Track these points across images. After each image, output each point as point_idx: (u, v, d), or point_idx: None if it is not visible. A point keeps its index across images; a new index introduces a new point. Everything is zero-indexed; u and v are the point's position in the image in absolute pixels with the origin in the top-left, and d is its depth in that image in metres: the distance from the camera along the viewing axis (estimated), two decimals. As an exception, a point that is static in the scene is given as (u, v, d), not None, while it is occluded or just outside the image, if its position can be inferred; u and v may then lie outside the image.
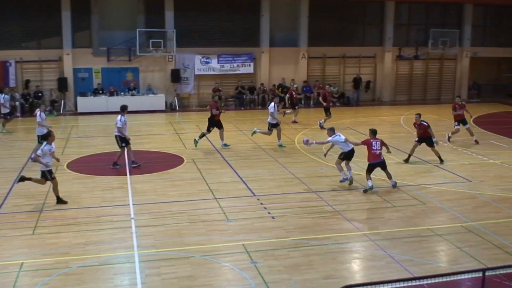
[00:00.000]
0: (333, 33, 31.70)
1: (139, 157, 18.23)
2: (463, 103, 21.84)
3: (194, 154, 19.18)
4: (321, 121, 23.99)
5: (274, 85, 30.35)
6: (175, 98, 29.20)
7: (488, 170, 17.49)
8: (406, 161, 18.30)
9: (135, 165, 17.17)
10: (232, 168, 17.34)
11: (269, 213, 13.39)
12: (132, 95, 28.20)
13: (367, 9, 32.34)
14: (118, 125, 16.94)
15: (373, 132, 15.61)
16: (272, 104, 20.40)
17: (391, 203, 14.23)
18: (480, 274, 7.85)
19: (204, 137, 20.40)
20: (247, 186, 15.53)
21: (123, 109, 17.14)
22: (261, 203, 14.11)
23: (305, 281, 9.90)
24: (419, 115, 18.70)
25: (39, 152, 13.64)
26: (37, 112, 19.10)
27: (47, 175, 13.68)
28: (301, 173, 16.90)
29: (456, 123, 21.28)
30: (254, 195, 14.76)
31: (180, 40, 28.70)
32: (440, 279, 8.07)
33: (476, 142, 20.92)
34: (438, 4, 32.67)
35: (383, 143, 15.44)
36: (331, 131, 15.85)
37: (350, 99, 31.57)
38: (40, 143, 17.29)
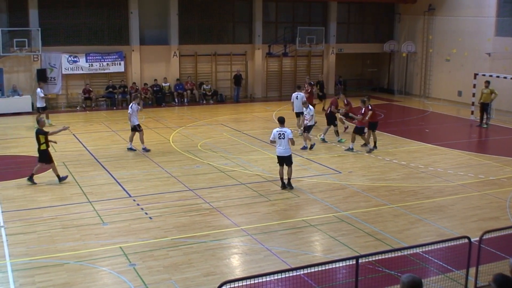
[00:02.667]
0: (204, 30, 31.75)
1: (4, 162, 17.19)
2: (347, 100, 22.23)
3: (65, 157, 18.41)
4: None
5: (146, 84, 29.88)
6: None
7: (357, 162, 18.37)
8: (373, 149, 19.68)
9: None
10: (106, 170, 16.86)
11: (146, 213, 13.19)
12: (-4, 97, 26.60)
13: (235, 7, 32.71)
14: None
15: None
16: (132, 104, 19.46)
17: (266, 197, 14.52)
18: (354, 262, 8.22)
19: (76, 139, 19.64)
20: (123, 188, 15.18)
21: None
22: (138, 204, 13.87)
23: (186, 280, 9.86)
24: (368, 98, 20.22)
25: None
26: None
27: None
28: (177, 171, 16.79)
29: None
30: (130, 196, 14.46)
31: (45, 39, 27.40)
32: (316, 268, 8.37)
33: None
34: (303, 2, 33.75)
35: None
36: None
37: (225, 97, 31.77)
38: None
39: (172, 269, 10.25)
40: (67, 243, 11.43)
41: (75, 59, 28.34)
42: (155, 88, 29.90)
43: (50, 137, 15.76)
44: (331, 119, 21.21)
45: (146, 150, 19.20)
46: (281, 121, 15.14)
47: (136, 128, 19.25)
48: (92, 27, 29.02)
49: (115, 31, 29.65)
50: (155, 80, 30.03)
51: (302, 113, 20.52)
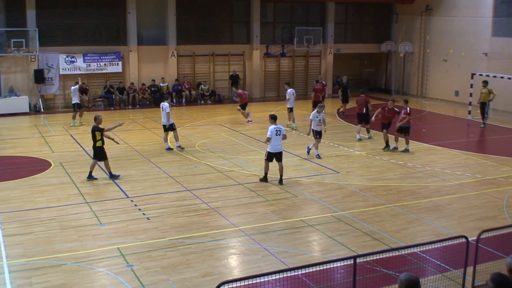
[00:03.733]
0: (201, 31, 31.76)
1: (2, 163, 17.17)
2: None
3: (62, 157, 18.41)
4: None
5: (143, 84, 29.87)
6: (40, 99, 27.82)
7: (354, 161, 18.39)
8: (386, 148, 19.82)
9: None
10: (103, 170, 16.82)
11: (143, 214, 13.18)
12: (-7, 97, 26.57)
13: (233, 7, 32.72)
14: None
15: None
16: (166, 104, 19.60)
17: (264, 197, 14.53)
18: (352, 261, 8.23)
19: (73, 140, 19.64)
20: (120, 188, 15.17)
21: None
22: (135, 205, 13.86)
23: (184, 280, 9.85)
24: (393, 100, 20.41)
25: None
26: None
27: None
28: (175, 172, 16.79)
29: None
30: (128, 197, 14.45)
31: (43, 39, 27.38)
32: (314, 268, 8.37)
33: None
34: (301, 3, 33.76)
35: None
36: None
37: (223, 97, 31.77)
38: None
39: (170, 270, 10.24)
40: (64, 244, 11.42)
41: (72, 59, 28.32)
42: (153, 89, 29.91)
43: (109, 135, 16.44)
44: (365, 118, 21.90)
45: (181, 148, 19.58)
46: (275, 118, 15.77)
47: (171, 127, 19.66)
48: (90, 27, 29.01)
49: (112, 31, 29.63)
50: (153, 80, 30.02)
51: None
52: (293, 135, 21.89)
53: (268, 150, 15.68)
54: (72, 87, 24.28)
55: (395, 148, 19.69)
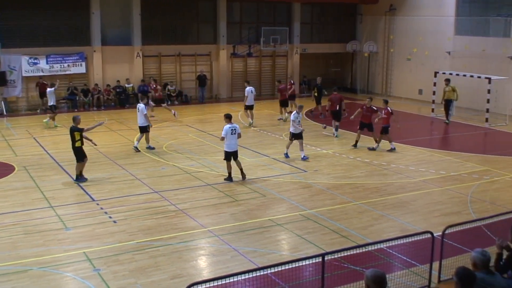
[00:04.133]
0: (167, 31, 31.55)
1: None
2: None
3: (25, 161, 18.08)
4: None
5: (108, 85, 29.55)
6: (2, 102, 27.29)
7: (322, 160, 18.50)
8: (355, 146, 20.09)
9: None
10: (68, 174, 16.59)
11: (110, 217, 13.03)
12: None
13: (199, 7, 32.60)
14: None
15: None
16: (142, 105, 19.58)
17: (233, 197, 14.52)
18: (320, 259, 8.28)
19: (37, 143, 19.33)
20: (85, 191, 14.98)
21: None
22: (101, 208, 13.69)
23: (152, 283, 9.78)
24: (371, 98, 20.76)
25: None
26: None
27: None
28: (142, 174, 16.65)
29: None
30: (94, 200, 14.27)
31: (4, 41, 26.86)
32: (283, 267, 8.40)
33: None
34: (267, 3, 33.83)
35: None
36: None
37: (190, 98, 31.62)
38: None
39: (138, 273, 10.15)
40: (29, 249, 11.22)
41: (35, 61, 27.85)
42: (118, 90, 29.61)
43: (87, 135, 16.25)
44: (337, 115, 22.48)
45: (151, 148, 19.65)
46: (230, 117, 15.95)
47: (145, 129, 19.56)
48: (53, 28, 28.58)
49: (76, 31, 29.25)
50: (118, 81, 29.73)
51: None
52: (262, 135, 21.92)
53: (225, 149, 15.86)
54: (49, 89, 23.85)
55: (373, 149, 19.80)
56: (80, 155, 15.83)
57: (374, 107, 20.28)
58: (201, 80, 31.15)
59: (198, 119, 26.22)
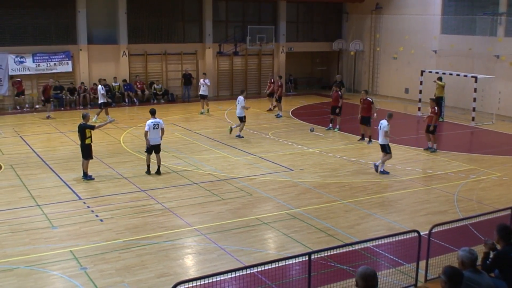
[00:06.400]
0: (153, 29, 31.42)
1: None
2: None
3: (12, 159, 17.94)
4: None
5: (95, 84, 29.36)
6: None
7: (308, 159, 18.54)
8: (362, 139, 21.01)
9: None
10: (55, 172, 16.50)
11: (96, 216, 12.98)
12: None
13: (185, 5, 32.50)
14: None
15: None
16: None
17: (219, 196, 14.51)
18: (306, 258, 8.30)
19: (23, 142, 19.19)
20: (72, 190, 14.90)
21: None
22: (88, 206, 13.63)
23: (139, 282, 9.75)
24: (366, 91, 21.47)
25: None
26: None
27: None
28: (128, 172, 16.59)
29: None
30: (80, 199, 14.20)
31: (-10, 39, 26.70)
32: (270, 266, 8.40)
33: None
34: (253, 2, 33.83)
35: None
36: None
37: (176, 96, 31.52)
38: None
39: (125, 272, 10.12)
40: (16, 247, 11.14)
41: (21, 59, 27.64)
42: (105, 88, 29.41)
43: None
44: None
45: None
46: (153, 112, 16.76)
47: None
48: (39, 27, 28.36)
49: (62, 30, 29.06)
50: (104, 80, 29.52)
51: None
52: (248, 134, 21.91)
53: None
54: (99, 86, 24.71)
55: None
56: (88, 152, 15.87)
57: (369, 99, 20.90)
58: (186, 79, 31.05)
59: (184, 117, 26.16)
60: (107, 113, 24.21)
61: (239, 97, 21.57)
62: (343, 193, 14.94)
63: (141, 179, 15.92)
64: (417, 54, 30.60)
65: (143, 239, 11.63)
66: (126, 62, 30.31)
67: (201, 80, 27.45)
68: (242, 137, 21.21)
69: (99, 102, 24.66)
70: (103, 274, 10.02)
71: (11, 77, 27.59)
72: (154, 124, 16.41)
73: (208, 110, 27.24)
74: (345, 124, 23.39)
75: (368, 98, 20.85)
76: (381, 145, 17.06)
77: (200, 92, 27.30)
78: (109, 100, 26.48)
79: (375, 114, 20.69)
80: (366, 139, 20.92)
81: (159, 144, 16.51)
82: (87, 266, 10.33)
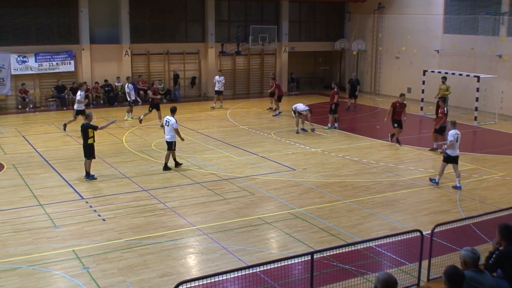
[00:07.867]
0: (155, 29, 31.44)
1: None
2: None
3: (14, 159, 17.97)
4: (141, 116, 23.73)
5: (97, 83, 29.40)
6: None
7: (310, 158, 18.52)
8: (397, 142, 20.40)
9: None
10: (57, 172, 16.52)
11: (99, 215, 12.99)
12: None
13: (188, 5, 32.52)
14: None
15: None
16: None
17: (222, 196, 14.50)
18: (309, 257, 8.29)
19: (26, 141, 19.22)
20: (75, 190, 14.91)
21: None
22: (90, 206, 13.64)
23: (141, 281, 9.75)
24: (404, 95, 21.03)
25: None
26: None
27: None
28: (130, 172, 16.60)
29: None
30: (83, 198, 14.22)
31: (-7, 39, 26.75)
32: (272, 266, 8.39)
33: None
34: (256, 1, 33.83)
35: None
36: None
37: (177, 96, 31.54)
38: None
39: (127, 271, 10.12)
40: (18, 247, 11.15)
41: (24, 59, 27.69)
42: (106, 88, 29.49)
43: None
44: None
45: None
46: (171, 110, 17.50)
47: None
48: (41, 26, 28.38)
49: (64, 30, 29.09)
50: (106, 80, 29.59)
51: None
52: (250, 134, 21.90)
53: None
54: (128, 85, 25.13)
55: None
56: (91, 152, 15.88)
57: (404, 102, 20.72)
58: (175, 79, 30.97)
59: (186, 117, 26.15)
60: (130, 111, 25.00)
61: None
62: (346, 192, 14.93)
63: (144, 179, 15.93)
64: (419, 53, 30.58)
65: (145, 238, 11.64)
66: (129, 62, 30.33)
67: (216, 77, 28.72)
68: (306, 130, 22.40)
69: (129, 99, 25.01)
70: (106, 273, 10.03)
71: (15, 77, 27.62)
72: (165, 121, 17.10)
73: (221, 106, 28.37)
74: (348, 124, 23.35)
75: (404, 102, 20.54)
76: (454, 157, 15.24)
77: (216, 89, 28.50)
78: (138, 99, 26.74)
79: (405, 117, 20.54)
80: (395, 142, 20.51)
81: (167, 142, 16.78)
82: (89, 265, 10.34)
